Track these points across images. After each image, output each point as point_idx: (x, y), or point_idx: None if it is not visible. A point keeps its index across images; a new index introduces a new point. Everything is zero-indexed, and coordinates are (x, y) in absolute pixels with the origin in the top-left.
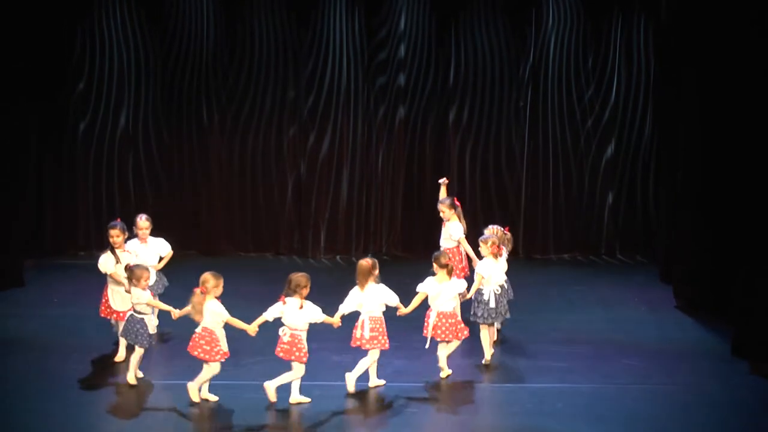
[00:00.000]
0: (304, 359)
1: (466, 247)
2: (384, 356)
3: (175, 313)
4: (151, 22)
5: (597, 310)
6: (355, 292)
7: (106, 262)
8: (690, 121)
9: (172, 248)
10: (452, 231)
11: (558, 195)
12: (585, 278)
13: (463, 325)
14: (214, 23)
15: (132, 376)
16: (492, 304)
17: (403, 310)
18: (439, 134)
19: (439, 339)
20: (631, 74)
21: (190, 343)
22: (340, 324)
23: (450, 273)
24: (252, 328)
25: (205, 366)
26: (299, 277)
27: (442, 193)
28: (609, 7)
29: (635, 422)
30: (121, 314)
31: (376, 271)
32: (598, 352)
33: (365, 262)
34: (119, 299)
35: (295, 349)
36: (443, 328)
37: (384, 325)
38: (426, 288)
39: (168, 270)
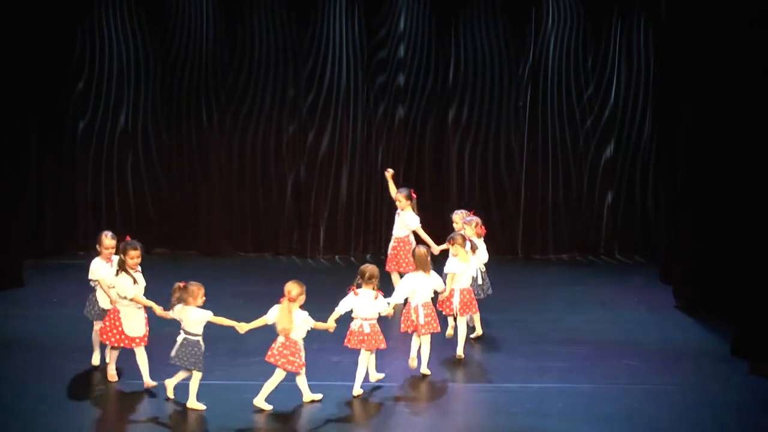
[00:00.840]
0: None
1: (424, 236)
2: (384, 356)
3: (243, 327)
4: (151, 22)
5: (597, 310)
6: (408, 280)
7: (125, 286)
8: (690, 121)
9: (171, 248)
10: (408, 221)
11: (557, 195)
12: (584, 278)
13: None
14: (213, 23)
15: (194, 402)
16: (480, 281)
17: (444, 294)
18: (439, 133)
19: (462, 314)
20: (631, 74)
21: (272, 353)
22: (392, 315)
23: (473, 249)
24: (331, 325)
25: (277, 372)
26: (373, 268)
27: (391, 186)
28: (609, 7)
29: (635, 422)
30: (137, 340)
31: (429, 259)
32: (598, 352)
33: (422, 250)
34: (134, 324)
35: (378, 338)
36: (468, 304)
37: (434, 309)
38: (454, 268)
39: (167, 270)
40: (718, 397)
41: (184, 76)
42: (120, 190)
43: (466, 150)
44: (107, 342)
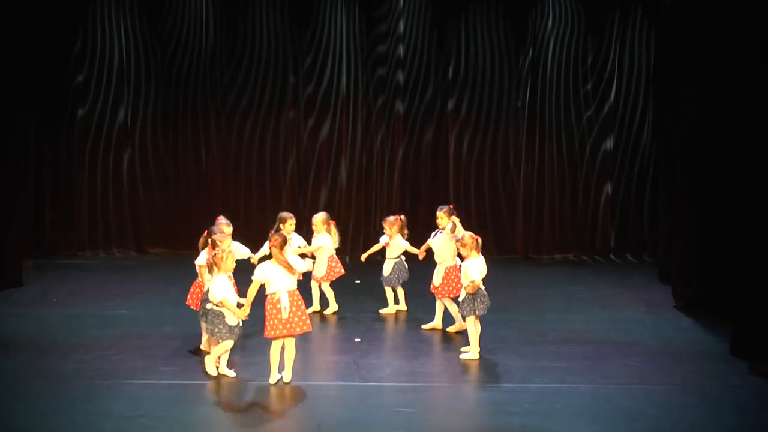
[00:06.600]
0: None
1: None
2: (383, 356)
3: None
4: (151, 18)
5: (596, 310)
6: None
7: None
8: (690, 119)
9: (169, 247)
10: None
11: (556, 194)
12: (583, 278)
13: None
14: (213, 18)
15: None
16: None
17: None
18: (438, 129)
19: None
20: (631, 72)
21: None
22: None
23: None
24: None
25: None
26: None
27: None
28: (609, 5)
29: (634, 422)
30: None
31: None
32: (597, 352)
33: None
34: None
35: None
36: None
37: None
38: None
39: (165, 270)
40: (718, 397)
41: (182, 72)
42: (118, 189)
43: (463, 147)
44: None
